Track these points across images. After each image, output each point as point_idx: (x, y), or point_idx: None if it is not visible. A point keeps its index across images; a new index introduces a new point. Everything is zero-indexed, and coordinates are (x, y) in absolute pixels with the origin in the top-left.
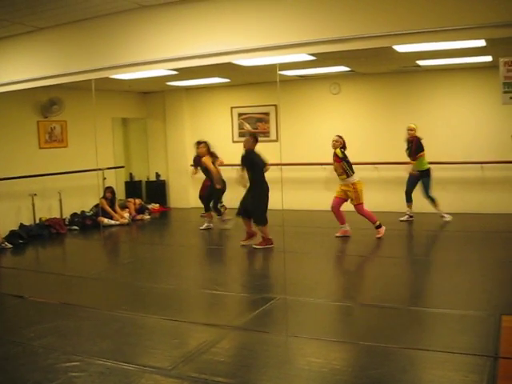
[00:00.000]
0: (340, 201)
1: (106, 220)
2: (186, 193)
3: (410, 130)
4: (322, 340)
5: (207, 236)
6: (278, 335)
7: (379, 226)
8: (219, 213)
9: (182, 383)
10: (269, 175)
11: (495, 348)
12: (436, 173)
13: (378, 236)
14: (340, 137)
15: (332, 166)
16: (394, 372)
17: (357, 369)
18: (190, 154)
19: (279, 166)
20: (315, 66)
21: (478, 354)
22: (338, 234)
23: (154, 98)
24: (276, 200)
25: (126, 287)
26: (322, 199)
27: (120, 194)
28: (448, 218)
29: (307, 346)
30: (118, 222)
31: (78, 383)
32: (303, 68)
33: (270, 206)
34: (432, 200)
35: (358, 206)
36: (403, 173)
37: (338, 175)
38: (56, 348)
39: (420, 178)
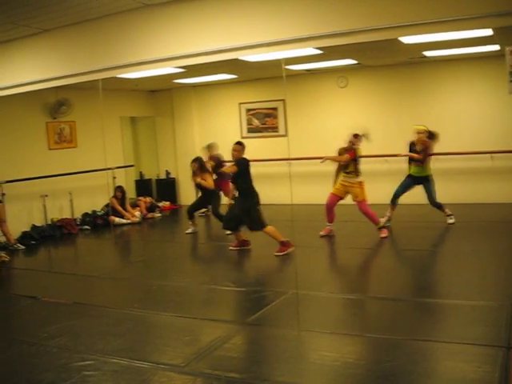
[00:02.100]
0: (337, 199)
1: (117, 219)
2: (196, 190)
3: (419, 132)
4: (333, 334)
5: (217, 233)
6: (290, 330)
7: (382, 227)
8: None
9: (195, 380)
10: (277, 170)
11: (507, 338)
12: (445, 163)
13: (383, 236)
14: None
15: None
16: (407, 364)
17: (369, 362)
18: (200, 150)
19: (288, 161)
20: (322, 60)
21: (490, 345)
22: (322, 233)
23: (161, 96)
24: (285, 194)
25: (138, 285)
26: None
27: (130, 192)
28: (452, 220)
29: (319, 340)
30: (129, 221)
31: (91, 382)
32: (310, 62)
33: (278, 201)
34: (440, 206)
35: (363, 202)
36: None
37: (345, 172)
38: (69, 347)
39: (420, 183)
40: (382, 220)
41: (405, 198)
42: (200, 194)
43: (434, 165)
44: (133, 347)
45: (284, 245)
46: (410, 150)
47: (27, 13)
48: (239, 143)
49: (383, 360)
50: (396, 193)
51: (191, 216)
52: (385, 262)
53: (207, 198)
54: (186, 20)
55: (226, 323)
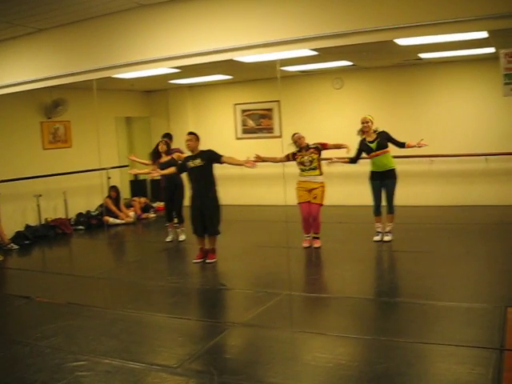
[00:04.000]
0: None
1: (111, 219)
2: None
3: (365, 122)
4: (327, 335)
5: None
6: (284, 331)
7: (318, 238)
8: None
9: (188, 381)
10: (272, 171)
11: (501, 340)
12: (440, 165)
13: (317, 246)
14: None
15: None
16: (400, 366)
17: (362, 363)
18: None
19: (282, 162)
20: (317, 62)
21: (484, 347)
22: (306, 245)
23: (157, 96)
24: (279, 196)
25: (132, 286)
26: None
27: (125, 192)
28: (387, 237)
29: (313, 342)
30: (123, 221)
31: (84, 383)
32: (305, 63)
33: (273, 202)
34: (393, 210)
35: (320, 206)
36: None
37: (309, 169)
38: (63, 348)
39: (384, 179)
40: (378, 237)
41: (400, 200)
42: (165, 191)
43: (430, 166)
44: (126, 348)
45: (215, 252)
46: (374, 141)
47: (23, 12)
48: (192, 133)
49: (376, 361)
50: (377, 203)
51: (180, 220)
52: (378, 264)
53: (175, 190)
54: (182, 20)
55: (219, 324)
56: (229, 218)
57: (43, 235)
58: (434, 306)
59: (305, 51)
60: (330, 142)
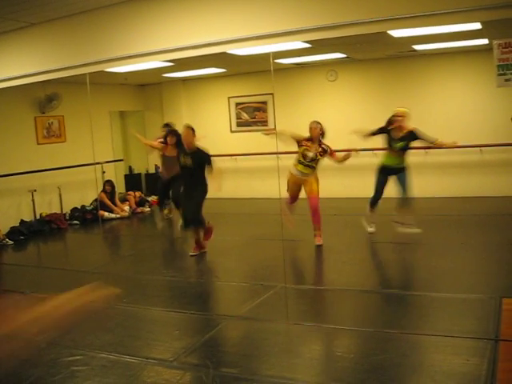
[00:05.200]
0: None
1: (106, 214)
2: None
3: (398, 116)
4: (323, 327)
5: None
6: (280, 323)
7: (320, 235)
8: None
9: (184, 374)
10: (266, 164)
11: (496, 331)
12: (435, 157)
13: (319, 243)
14: (320, 123)
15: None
16: (395, 357)
17: (358, 355)
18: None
19: (277, 155)
20: (311, 54)
21: (479, 338)
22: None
23: (151, 90)
24: (273, 189)
25: (127, 280)
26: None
27: (120, 187)
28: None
29: (308, 334)
30: (118, 216)
31: (80, 377)
32: (299, 56)
33: (268, 195)
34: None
35: (317, 199)
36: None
37: (306, 165)
38: (58, 343)
39: (396, 174)
40: (373, 228)
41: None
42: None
43: (425, 158)
44: (122, 342)
45: (209, 231)
46: (401, 138)
47: (15, 6)
48: (188, 127)
49: (372, 353)
50: (379, 194)
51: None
52: (374, 256)
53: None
54: (175, 13)
55: (215, 317)
56: (223, 212)
57: (38, 230)
58: (429, 297)
59: (298, 43)
60: (339, 154)
